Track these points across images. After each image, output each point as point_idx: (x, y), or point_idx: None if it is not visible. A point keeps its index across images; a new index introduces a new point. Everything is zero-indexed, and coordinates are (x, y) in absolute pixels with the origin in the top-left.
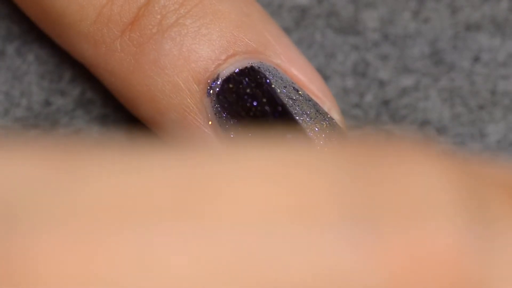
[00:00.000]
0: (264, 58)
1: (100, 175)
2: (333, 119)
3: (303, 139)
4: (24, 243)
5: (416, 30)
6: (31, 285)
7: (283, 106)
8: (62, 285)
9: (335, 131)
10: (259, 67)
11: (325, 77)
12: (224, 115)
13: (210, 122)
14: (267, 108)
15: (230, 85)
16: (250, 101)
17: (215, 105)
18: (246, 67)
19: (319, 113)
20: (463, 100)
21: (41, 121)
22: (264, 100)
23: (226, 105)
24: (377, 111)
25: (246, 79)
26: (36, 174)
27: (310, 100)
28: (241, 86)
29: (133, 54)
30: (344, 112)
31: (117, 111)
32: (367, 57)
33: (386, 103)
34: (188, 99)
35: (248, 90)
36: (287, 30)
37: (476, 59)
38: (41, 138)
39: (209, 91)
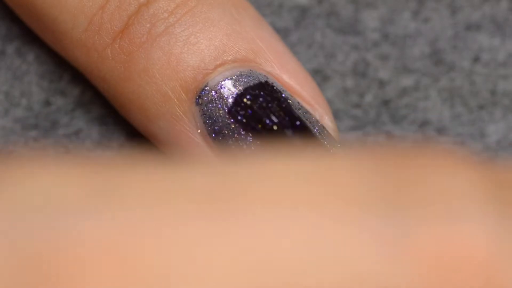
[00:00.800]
0: (254, 66)
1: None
2: (323, 127)
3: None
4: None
5: (416, 30)
6: None
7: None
8: None
9: (326, 139)
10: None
11: (325, 77)
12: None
13: (199, 131)
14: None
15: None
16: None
17: (203, 114)
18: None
19: (309, 121)
20: (463, 100)
21: (41, 121)
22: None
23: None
24: (377, 111)
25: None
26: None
27: (300, 108)
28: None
29: (123, 62)
30: (344, 112)
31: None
32: (367, 57)
33: (386, 103)
34: (177, 108)
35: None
36: (287, 30)
37: (476, 59)
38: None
39: (198, 100)
